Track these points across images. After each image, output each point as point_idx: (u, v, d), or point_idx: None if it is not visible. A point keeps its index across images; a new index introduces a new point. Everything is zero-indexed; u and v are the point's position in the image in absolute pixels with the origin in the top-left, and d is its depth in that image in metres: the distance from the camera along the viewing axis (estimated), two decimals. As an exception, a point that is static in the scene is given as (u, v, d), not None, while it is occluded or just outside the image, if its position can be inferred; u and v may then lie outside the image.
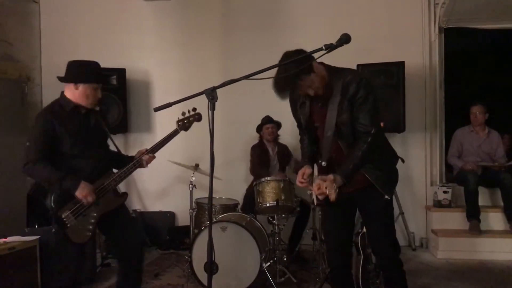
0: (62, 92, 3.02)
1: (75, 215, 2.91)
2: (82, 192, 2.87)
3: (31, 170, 2.88)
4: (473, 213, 5.08)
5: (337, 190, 2.47)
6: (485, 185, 5.38)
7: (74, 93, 2.98)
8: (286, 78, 2.43)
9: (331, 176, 2.51)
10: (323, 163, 2.63)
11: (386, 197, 2.65)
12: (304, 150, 2.90)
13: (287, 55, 2.51)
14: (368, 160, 2.59)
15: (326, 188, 2.48)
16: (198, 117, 3.22)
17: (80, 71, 3.00)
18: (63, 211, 2.89)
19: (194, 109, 3.20)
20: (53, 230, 2.90)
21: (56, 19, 6.30)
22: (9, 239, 3.79)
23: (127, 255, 3.11)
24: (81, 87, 2.96)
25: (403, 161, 2.93)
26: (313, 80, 2.53)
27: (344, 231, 2.88)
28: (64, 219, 2.88)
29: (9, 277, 3.57)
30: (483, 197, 5.41)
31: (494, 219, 5.26)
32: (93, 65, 3.06)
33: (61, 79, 3.01)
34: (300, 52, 2.49)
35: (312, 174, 2.74)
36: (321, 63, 2.60)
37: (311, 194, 2.89)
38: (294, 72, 2.40)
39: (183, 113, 3.18)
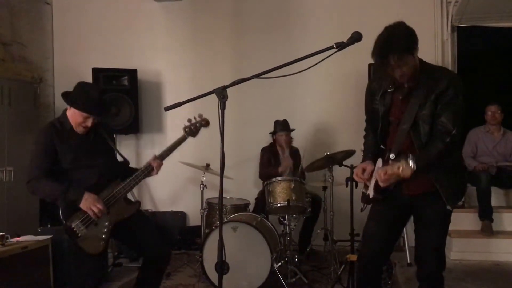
0: (65, 110, 3.05)
1: (85, 224, 2.87)
2: (86, 203, 2.84)
3: (34, 187, 2.91)
4: (486, 213, 5.03)
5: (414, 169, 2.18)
6: (499, 186, 5.32)
7: (70, 113, 3.00)
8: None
9: (403, 163, 2.25)
10: (392, 155, 2.47)
11: (448, 207, 2.49)
12: (368, 144, 2.75)
13: (401, 26, 2.44)
14: (440, 164, 2.44)
15: (399, 168, 2.20)
16: (205, 123, 3.14)
17: (78, 94, 2.96)
18: (72, 220, 2.86)
19: (200, 115, 3.13)
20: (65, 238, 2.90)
21: (68, 20, 6.35)
22: (22, 238, 3.81)
23: (156, 259, 3.07)
24: (72, 110, 2.97)
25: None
26: (408, 62, 2.41)
27: (388, 236, 2.69)
28: (74, 229, 2.85)
29: (22, 276, 3.59)
30: (497, 197, 5.35)
31: (509, 220, 5.20)
32: (93, 93, 2.97)
33: (62, 95, 3.05)
34: (412, 32, 2.43)
35: (372, 171, 2.60)
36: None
37: (363, 193, 2.74)
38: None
39: (189, 120, 3.12)
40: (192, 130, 3.12)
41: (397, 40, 2.37)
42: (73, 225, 2.85)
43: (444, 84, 2.43)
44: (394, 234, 2.75)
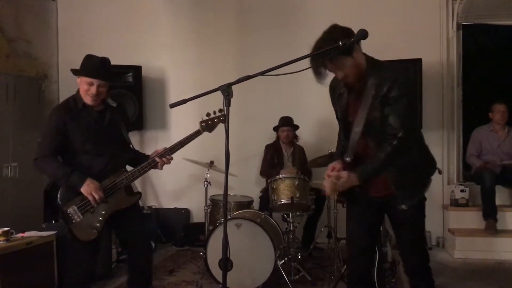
0: (78, 88, 3.00)
1: (82, 210, 2.87)
2: (87, 189, 2.83)
3: (40, 165, 2.91)
4: (490, 212, 5.02)
5: (336, 194, 2.35)
6: (504, 184, 5.30)
7: (80, 86, 2.97)
8: (321, 54, 2.31)
9: (345, 173, 2.38)
10: (348, 159, 2.48)
11: (403, 207, 2.48)
12: (339, 145, 2.76)
13: (334, 28, 2.40)
14: (393, 164, 2.43)
15: (330, 181, 2.35)
16: (224, 118, 2.91)
17: (82, 63, 2.96)
18: (69, 205, 2.87)
19: (221, 110, 2.98)
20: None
21: (73, 16, 6.36)
22: (26, 234, 3.83)
23: (135, 254, 3.06)
24: (79, 81, 2.95)
25: (440, 172, 2.77)
26: (346, 63, 2.38)
27: (368, 234, 2.70)
28: (70, 214, 2.86)
29: (27, 271, 3.62)
30: (502, 196, 5.34)
31: (513, 219, 5.18)
32: (95, 59, 2.95)
33: (71, 70, 3.02)
34: (348, 31, 2.37)
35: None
36: (364, 53, 2.48)
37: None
38: (331, 48, 2.25)
39: (208, 114, 3.01)
40: (209, 124, 3.02)
41: (326, 45, 2.32)
42: (69, 210, 2.86)
43: (387, 86, 2.38)
44: (373, 231, 2.76)
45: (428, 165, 2.66)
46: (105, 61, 2.99)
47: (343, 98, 2.62)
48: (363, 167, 2.42)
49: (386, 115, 2.41)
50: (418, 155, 2.57)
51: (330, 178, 2.41)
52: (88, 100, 2.94)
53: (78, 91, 3.00)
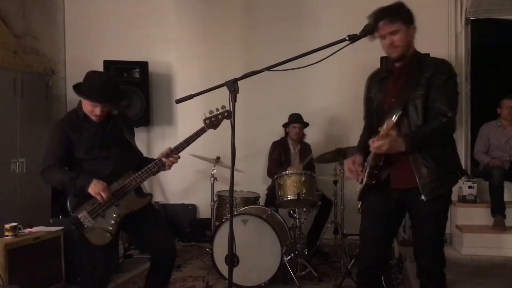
0: (80, 100, 3.00)
1: (93, 215, 2.87)
2: (95, 188, 2.81)
3: (46, 176, 2.92)
4: (498, 208, 4.99)
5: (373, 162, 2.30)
6: (512, 181, 5.27)
7: (83, 103, 2.97)
8: (386, 10, 2.52)
9: (393, 132, 2.28)
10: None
11: (422, 197, 2.40)
12: (362, 141, 2.73)
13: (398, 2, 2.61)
14: (438, 140, 2.42)
15: (385, 125, 2.27)
16: (227, 114, 2.99)
17: (84, 83, 2.93)
18: (79, 211, 2.87)
19: (223, 107, 2.96)
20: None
21: (80, 12, 6.37)
22: (34, 229, 3.86)
23: (160, 257, 3.06)
24: (83, 100, 2.94)
25: (468, 176, 2.73)
26: (399, 30, 2.48)
27: (384, 231, 2.62)
28: (81, 220, 2.86)
29: (34, 266, 3.64)
30: (510, 192, 5.29)
31: (521, 216, 5.14)
32: (97, 81, 2.91)
33: (73, 87, 2.98)
34: (408, 9, 2.56)
35: (363, 164, 2.59)
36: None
37: (359, 191, 2.69)
38: (395, 9, 2.51)
39: (211, 111, 2.99)
40: (213, 122, 3.00)
41: (389, 8, 2.54)
42: (80, 216, 2.86)
43: (433, 68, 2.45)
44: (390, 230, 2.70)
45: (457, 168, 2.60)
46: (108, 81, 2.96)
47: (384, 82, 2.63)
48: (411, 135, 2.37)
49: (434, 98, 2.42)
50: (450, 152, 2.55)
51: (383, 134, 2.30)
52: (93, 118, 2.95)
53: (79, 103, 3.00)
